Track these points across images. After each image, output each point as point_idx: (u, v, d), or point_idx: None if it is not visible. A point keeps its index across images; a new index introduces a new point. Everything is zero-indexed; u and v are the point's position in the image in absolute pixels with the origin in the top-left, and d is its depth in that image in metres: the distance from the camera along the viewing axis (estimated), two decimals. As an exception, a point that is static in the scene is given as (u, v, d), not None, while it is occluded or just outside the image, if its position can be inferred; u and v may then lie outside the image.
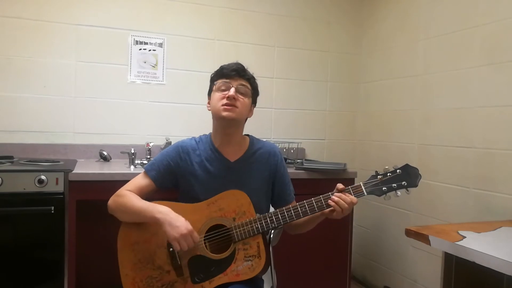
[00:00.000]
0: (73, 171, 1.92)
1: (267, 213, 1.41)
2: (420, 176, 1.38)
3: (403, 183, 1.37)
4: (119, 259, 1.43)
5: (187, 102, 2.68)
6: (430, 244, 1.45)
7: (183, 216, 1.35)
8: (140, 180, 1.50)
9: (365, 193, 1.38)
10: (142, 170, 1.54)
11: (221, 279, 1.36)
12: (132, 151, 2.28)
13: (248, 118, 1.57)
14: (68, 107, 2.45)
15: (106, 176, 1.94)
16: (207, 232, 1.41)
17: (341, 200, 1.35)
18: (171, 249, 1.40)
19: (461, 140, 2.18)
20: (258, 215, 1.41)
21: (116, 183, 1.55)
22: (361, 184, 1.39)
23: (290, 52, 2.93)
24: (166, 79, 2.65)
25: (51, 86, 2.42)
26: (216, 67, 1.54)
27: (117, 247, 1.44)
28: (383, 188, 1.38)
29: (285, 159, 2.10)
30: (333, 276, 2.45)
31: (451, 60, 2.26)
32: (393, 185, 1.37)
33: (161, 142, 2.46)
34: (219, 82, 1.49)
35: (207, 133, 1.60)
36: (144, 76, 2.60)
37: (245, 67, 1.52)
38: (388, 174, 1.38)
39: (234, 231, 1.39)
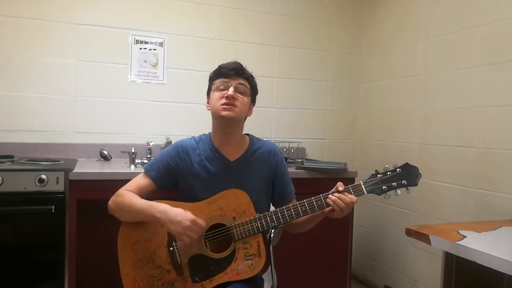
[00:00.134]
0: (73, 171, 1.92)
1: (267, 212, 1.41)
2: (420, 175, 1.38)
3: (403, 182, 1.37)
4: (119, 259, 1.43)
5: (188, 101, 2.68)
6: (430, 244, 1.45)
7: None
8: (140, 180, 1.51)
9: (365, 192, 1.38)
10: (142, 170, 1.54)
11: (221, 278, 1.37)
12: (133, 151, 2.28)
13: (248, 118, 1.58)
14: (69, 106, 2.45)
15: (106, 176, 1.95)
16: (207, 231, 1.41)
17: (338, 200, 1.35)
18: (171, 248, 1.40)
19: (461, 140, 2.18)
20: (258, 214, 1.41)
21: (116, 183, 1.55)
22: (361, 183, 1.39)
23: (291, 52, 2.93)
24: (167, 79, 2.65)
25: (52, 85, 2.42)
26: (217, 67, 1.54)
27: (117, 247, 1.44)
28: (383, 187, 1.38)
29: (286, 159, 2.10)
30: (333, 276, 2.45)
31: (451, 60, 2.26)
32: (393, 184, 1.37)
33: (162, 141, 2.46)
34: (217, 82, 1.49)
35: (207, 133, 1.60)
36: (144, 76, 2.60)
37: (244, 66, 1.52)
38: (388, 173, 1.38)
39: (234, 230, 1.39)
